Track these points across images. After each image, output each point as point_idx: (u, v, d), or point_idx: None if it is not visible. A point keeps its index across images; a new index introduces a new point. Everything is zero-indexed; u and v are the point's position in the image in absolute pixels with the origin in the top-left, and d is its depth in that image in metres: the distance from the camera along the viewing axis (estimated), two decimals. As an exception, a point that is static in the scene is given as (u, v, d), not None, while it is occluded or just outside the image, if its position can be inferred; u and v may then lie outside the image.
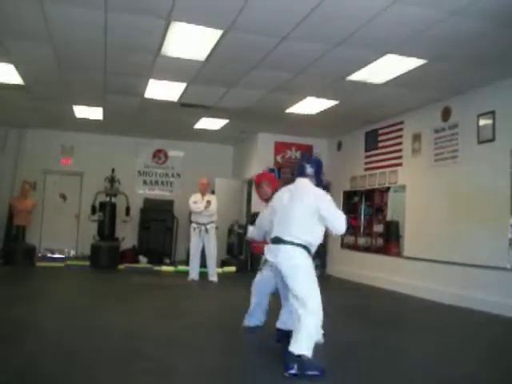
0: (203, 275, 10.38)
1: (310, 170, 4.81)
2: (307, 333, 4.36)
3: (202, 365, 4.55)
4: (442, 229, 9.10)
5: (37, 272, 10.83)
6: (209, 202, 10.22)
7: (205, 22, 6.40)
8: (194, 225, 10.48)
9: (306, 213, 4.55)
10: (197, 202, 10.35)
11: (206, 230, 10.32)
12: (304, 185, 4.76)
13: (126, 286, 8.66)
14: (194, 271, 10.40)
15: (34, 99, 10.71)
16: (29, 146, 13.81)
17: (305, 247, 4.53)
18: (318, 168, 4.89)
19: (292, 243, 4.50)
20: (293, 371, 4.19)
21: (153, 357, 4.60)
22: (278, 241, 4.59)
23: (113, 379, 4.02)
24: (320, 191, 4.73)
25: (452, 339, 6.12)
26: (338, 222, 4.56)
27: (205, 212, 10.23)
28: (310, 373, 4.20)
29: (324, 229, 4.61)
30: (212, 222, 10.42)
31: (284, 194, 4.81)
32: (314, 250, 4.67)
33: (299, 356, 4.24)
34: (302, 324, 4.38)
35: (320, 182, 4.88)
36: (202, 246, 10.39)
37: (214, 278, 10.40)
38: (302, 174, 4.83)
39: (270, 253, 4.66)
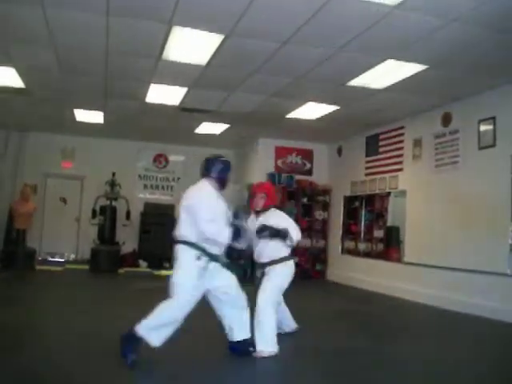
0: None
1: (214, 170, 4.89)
2: None
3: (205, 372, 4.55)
4: (442, 234, 9.09)
5: (37, 275, 10.82)
6: None
7: (206, 27, 6.41)
8: None
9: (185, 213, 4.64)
10: None
11: None
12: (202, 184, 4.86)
13: (125, 291, 8.64)
14: None
15: (35, 103, 10.72)
16: (30, 150, 13.83)
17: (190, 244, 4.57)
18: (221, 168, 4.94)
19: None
20: None
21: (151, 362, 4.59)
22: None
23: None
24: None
25: (452, 345, 6.10)
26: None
27: None
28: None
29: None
30: None
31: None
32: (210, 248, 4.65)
33: None
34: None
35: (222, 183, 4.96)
36: None
37: None
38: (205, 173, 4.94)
39: None
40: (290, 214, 6.16)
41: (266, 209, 5.58)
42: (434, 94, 8.83)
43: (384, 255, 11.16)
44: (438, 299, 8.79)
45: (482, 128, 8.43)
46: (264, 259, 5.55)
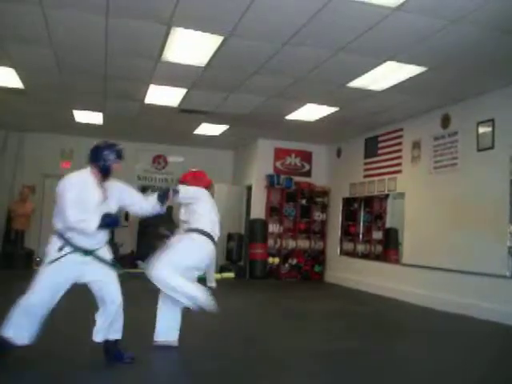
0: (201, 281, 10.30)
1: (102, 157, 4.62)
2: None
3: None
4: (441, 236, 9.10)
5: (34, 276, 10.78)
6: None
7: (206, 28, 6.41)
8: None
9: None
10: None
11: None
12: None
13: (123, 291, 8.59)
14: None
15: (34, 103, 10.71)
16: (28, 150, 13.80)
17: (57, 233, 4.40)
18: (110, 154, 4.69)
19: None
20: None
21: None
22: None
23: None
24: None
25: (450, 347, 6.10)
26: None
27: None
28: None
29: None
30: None
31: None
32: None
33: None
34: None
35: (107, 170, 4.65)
36: None
37: (212, 283, 10.31)
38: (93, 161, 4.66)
39: None
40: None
41: None
42: (433, 96, 8.84)
43: (383, 257, 11.18)
44: (437, 301, 8.79)
45: (481, 130, 8.44)
46: None
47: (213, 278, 10.28)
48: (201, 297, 4.86)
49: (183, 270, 4.98)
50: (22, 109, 11.30)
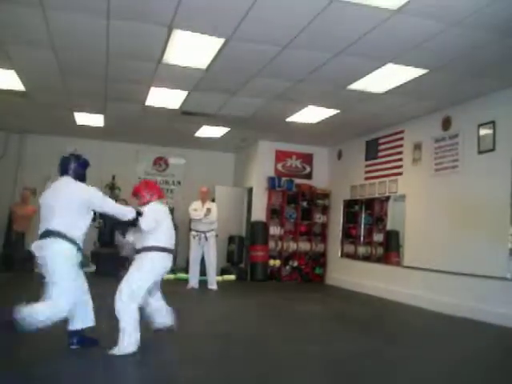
0: (203, 283, 10.35)
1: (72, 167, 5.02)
2: None
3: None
4: (442, 238, 9.09)
5: (35, 278, 10.78)
6: (209, 210, 10.22)
7: (206, 31, 6.42)
8: (193, 232, 10.48)
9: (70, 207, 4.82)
10: (197, 209, 10.36)
11: (206, 238, 10.32)
12: (67, 181, 4.98)
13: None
14: (193, 279, 10.38)
15: (35, 105, 10.72)
16: (29, 152, 13.80)
17: (69, 240, 4.74)
18: (80, 165, 5.09)
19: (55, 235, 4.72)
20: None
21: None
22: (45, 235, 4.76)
23: None
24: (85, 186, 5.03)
25: (451, 350, 6.09)
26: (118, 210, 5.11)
27: (204, 220, 10.23)
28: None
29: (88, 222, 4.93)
30: (212, 230, 10.42)
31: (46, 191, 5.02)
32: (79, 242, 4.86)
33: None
34: None
35: (82, 178, 5.07)
36: (202, 254, 10.38)
37: (213, 286, 10.37)
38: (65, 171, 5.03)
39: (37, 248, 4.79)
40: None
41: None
42: (433, 98, 8.85)
43: (383, 259, 11.18)
44: (438, 303, 8.78)
45: (482, 132, 8.44)
46: None
47: (214, 281, 10.38)
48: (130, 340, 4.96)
49: (143, 292, 5.19)
50: (23, 111, 11.32)
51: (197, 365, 4.79)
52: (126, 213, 5.13)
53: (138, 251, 5.35)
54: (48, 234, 4.74)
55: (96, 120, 11.88)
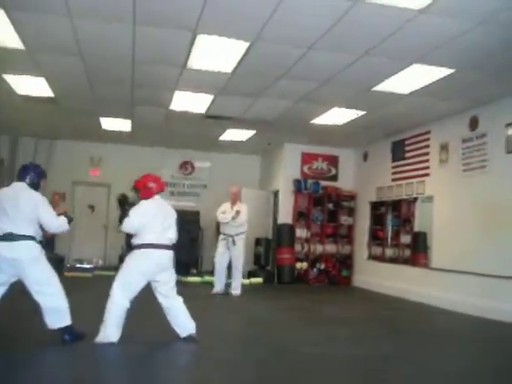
0: (228, 286, 10.22)
1: (29, 175, 5.42)
2: None
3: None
4: (470, 239, 8.98)
5: (66, 282, 10.90)
6: (238, 212, 9.78)
7: (231, 34, 6.46)
8: (221, 236, 10.10)
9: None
10: (225, 211, 9.97)
11: (234, 242, 9.88)
12: (21, 187, 5.33)
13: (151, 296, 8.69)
14: (219, 284, 10.05)
15: (63, 111, 10.89)
16: (58, 158, 14.01)
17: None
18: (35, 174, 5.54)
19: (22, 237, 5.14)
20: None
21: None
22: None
23: None
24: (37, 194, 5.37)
25: (486, 353, 6.02)
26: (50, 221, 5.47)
27: (232, 222, 9.82)
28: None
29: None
30: (241, 234, 9.99)
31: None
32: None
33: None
34: None
35: (36, 187, 5.47)
36: (229, 257, 9.98)
37: (237, 291, 9.98)
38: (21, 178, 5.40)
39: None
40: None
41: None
42: (460, 98, 8.76)
43: (411, 261, 11.08)
44: (466, 305, 8.68)
45: (510, 132, 8.33)
46: None
47: (238, 286, 10.06)
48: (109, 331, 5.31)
49: (134, 286, 5.43)
50: (52, 117, 11.51)
51: (222, 368, 4.82)
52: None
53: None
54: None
55: (123, 125, 12.01)
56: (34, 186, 5.43)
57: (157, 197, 5.72)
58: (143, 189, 5.70)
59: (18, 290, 5.26)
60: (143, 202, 5.62)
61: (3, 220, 5.10)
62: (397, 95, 8.62)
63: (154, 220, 5.50)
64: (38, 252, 5.30)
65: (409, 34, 6.10)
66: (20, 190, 5.29)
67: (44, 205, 5.35)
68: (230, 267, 10.12)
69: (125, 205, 5.72)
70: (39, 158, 13.78)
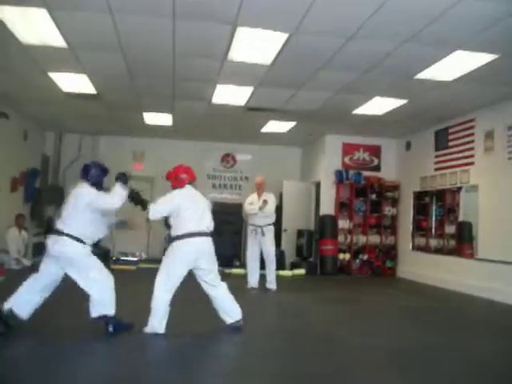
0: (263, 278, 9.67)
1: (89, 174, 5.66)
2: None
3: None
4: (517, 229, 8.79)
5: (114, 274, 11.11)
6: (265, 202, 9.41)
7: (270, 26, 6.45)
8: (250, 227, 9.74)
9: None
10: (253, 202, 9.66)
11: (263, 233, 9.50)
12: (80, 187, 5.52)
13: (192, 289, 8.80)
14: (252, 278, 9.58)
15: (106, 107, 11.08)
16: (102, 153, 14.25)
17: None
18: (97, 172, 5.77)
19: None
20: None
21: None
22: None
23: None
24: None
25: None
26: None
27: (260, 213, 9.47)
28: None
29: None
30: (270, 225, 9.62)
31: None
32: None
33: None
34: None
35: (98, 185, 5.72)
36: (260, 250, 9.60)
37: (272, 285, 9.57)
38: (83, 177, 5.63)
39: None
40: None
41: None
42: (505, 84, 8.53)
43: (456, 251, 10.90)
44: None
45: (558, 118, 8.11)
46: None
47: (273, 280, 9.72)
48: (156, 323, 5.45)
49: (176, 277, 5.55)
50: (95, 113, 11.71)
51: (271, 360, 4.84)
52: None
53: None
54: None
55: (165, 119, 12.14)
56: (97, 184, 5.65)
57: (188, 186, 5.88)
58: (174, 179, 5.92)
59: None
60: (173, 191, 5.83)
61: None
62: (440, 82, 8.46)
63: (185, 208, 5.66)
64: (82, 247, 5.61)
65: (450, 19, 5.97)
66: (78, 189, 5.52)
67: (96, 197, 5.48)
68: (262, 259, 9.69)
69: (136, 196, 6.20)
70: (83, 154, 14.08)
